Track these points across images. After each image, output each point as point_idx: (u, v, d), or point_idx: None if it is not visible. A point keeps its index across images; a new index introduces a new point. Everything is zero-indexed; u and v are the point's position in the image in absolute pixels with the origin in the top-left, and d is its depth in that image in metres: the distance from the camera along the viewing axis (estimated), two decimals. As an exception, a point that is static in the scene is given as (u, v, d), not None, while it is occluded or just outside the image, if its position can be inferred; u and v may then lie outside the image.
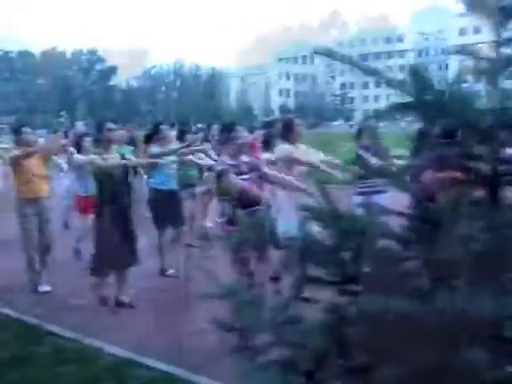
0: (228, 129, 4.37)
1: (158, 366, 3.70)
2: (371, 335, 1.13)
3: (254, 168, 4.27)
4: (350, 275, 1.20)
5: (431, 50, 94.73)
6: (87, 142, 6.49)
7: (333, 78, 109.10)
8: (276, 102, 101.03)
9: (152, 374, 3.62)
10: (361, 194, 5.37)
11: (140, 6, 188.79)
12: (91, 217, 6.33)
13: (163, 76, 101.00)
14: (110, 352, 3.96)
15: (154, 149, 6.30)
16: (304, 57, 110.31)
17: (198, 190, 7.60)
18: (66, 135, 10.79)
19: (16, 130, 6.03)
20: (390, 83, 1.34)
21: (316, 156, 5.29)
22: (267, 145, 6.21)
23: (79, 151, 6.64)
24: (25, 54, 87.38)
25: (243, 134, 4.36)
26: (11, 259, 6.30)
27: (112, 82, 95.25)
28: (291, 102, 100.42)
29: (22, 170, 5.71)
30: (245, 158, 4.28)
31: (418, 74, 1.23)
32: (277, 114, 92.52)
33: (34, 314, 4.80)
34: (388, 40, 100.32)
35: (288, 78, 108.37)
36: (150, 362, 3.77)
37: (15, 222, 5.97)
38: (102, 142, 5.14)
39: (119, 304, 5.10)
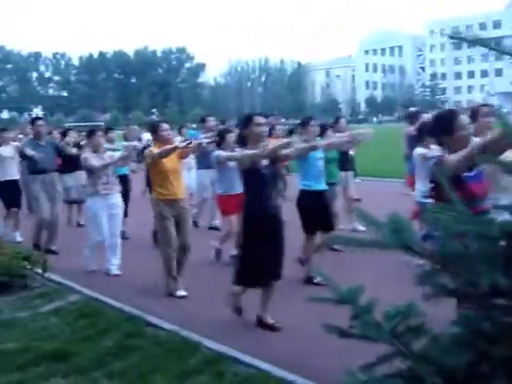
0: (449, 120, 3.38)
1: (255, 364, 3.68)
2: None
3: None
4: (494, 287, 1.07)
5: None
6: (231, 137, 6.36)
7: (422, 68, 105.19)
8: (362, 94, 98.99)
9: (249, 370, 3.61)
10: None
11: (224, 2, 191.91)
12: (234, 217, 6.26)
13: (249, 72, 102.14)
14: (208, 346, 3.98)
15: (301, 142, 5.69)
16: (392, 48, 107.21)
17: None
18: (179, 131, 11.06)
19: (153, 128, 5.71)
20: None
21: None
22: (419, 138, 5.89)
23: (220, 146, 6.41)
24: (119, 54, 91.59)
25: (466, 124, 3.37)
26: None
27: (200, 79, 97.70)
28: (378, 95, 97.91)
29: (160, 170, 5.45)
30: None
31: None
32: (364, 108, 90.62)
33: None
34: (483, 26, 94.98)
35: (375, 69, 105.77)
36: (248, 358, 3.76)
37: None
38: (250, 138, 4.45)
39: (262, 325, 4.46)
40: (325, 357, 3.77)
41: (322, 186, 5.78)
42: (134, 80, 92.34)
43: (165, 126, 5.62)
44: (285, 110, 68.70)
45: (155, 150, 5.44)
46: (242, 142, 4.58)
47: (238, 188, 6.32)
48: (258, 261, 4.28)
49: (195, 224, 8.26)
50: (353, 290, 1.49)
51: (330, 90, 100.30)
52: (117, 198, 6.45)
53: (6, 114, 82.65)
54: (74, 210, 9.47)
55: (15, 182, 8.43)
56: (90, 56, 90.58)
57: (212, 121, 8.62)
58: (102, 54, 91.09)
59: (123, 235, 7.81)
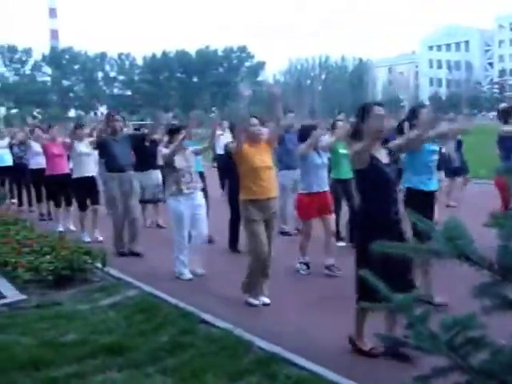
0: None
1: (309, 366, 3.61)
2: None
3: None
4: None
5: None
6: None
7: (491, 64, 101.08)
8: (426, 91, 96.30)
9: (302, 373, 3.55)
10: None
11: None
12: (313, 221, 5.98)
13: (308, 69, 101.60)
14: (260, 346, 3.95)
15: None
16: (458, 43, 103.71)
17: None
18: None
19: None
20: None
21: None
22: None
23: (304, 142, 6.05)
24: (182, 54, 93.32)
25: None
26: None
27: (260, 78, 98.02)
28: (443, 92, 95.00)
29: (249, 168, 5.06)
30: None
31: None
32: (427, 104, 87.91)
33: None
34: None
35: (440, 66, 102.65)
36: (301, 361, 3.70)
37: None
38: (367, 133, 3.78)
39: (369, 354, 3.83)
40: (382, 363, 3.66)
41: (433, 186, 4.98)
42: (195, 79, 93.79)
43: (254, 120, 5.22)
44: (345, 108, 67.81)
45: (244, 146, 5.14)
46: (357, 138, 3.86)
47: (322, 186, 6.15)
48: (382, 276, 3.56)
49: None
50: (407, 298, 1.41)
51: (393, 87, 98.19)
52: (200, 198, 6.20)
53: (72, 113, 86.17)
54: (149, 210, 9.27)
55: (92, 178, 8.27)
56: (154, 56, 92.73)
57: (292, 118, 8.21)
58: (164, 54, 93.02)
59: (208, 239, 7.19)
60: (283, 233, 7.97)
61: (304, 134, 6.18)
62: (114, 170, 7.24)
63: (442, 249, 0.94)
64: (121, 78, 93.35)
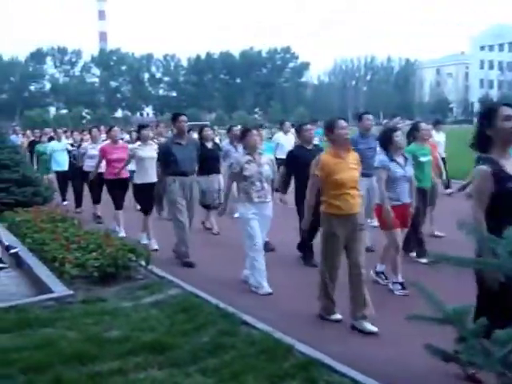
0: None
1: (350, 373, 3.55)
2: None
3: None
4: None
5: None
6: (397, 136, 5.66)
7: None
8: (476, 93, 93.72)
9: (343, 380, 3.49)
10: None
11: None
12: (396, 231, 5.59)
13: (353, 70, 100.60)
14: (301, 350, 3.91)
15: None
16: (511, 43, 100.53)
17: None
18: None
19: (329, 126, 4.83)
20: None
21: None
22: None
23: (387, 151, 5.72)
24: (225, 55, 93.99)
25: None
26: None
27: (304, 79, 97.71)
28: (494, 94, 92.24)
29: (334, 181, 4.66)
30: None
31: None
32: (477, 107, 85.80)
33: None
34: None
35: (491, 66, 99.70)
36: (342, 367, 3.64)
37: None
38: (495, 139, 3.28)
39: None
40: (427, 372, 3.56)
41: None
42: (238, 80, 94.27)
43: (343, 123, 4.79)
44: (391, 109, 66.55)
45: (330, 152, 4.76)
46: (484, 144, 3.34)
47: (403, 198, 5.69)
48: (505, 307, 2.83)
49: None
50: (459, 310, 1.35)
51: (441, 88, 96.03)
52: (270, 209, 5.83)
53: (119, 113, 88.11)
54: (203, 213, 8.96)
55: (154, 185, 7.60)
56: (198, 57, 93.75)
57: (368, 119, 7.61)
58: (208, 55, 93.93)
59: (268, 246, 6.96)
60: None
61: (385, 138, 5.79)
62: (176, 174, 6.87)
63: (503, 263, 0.89)
64: (166, 79, 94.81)
